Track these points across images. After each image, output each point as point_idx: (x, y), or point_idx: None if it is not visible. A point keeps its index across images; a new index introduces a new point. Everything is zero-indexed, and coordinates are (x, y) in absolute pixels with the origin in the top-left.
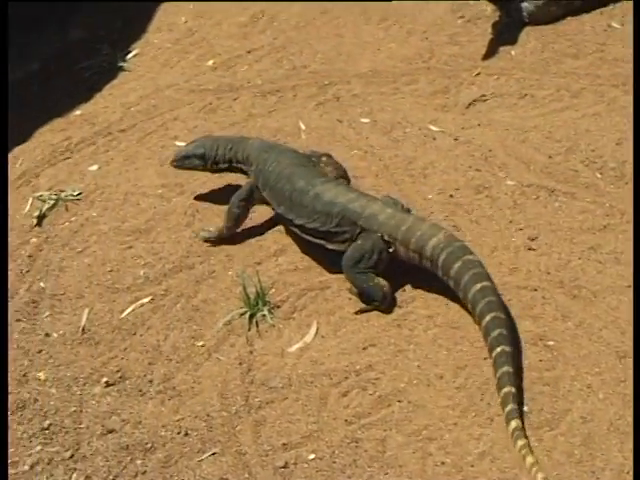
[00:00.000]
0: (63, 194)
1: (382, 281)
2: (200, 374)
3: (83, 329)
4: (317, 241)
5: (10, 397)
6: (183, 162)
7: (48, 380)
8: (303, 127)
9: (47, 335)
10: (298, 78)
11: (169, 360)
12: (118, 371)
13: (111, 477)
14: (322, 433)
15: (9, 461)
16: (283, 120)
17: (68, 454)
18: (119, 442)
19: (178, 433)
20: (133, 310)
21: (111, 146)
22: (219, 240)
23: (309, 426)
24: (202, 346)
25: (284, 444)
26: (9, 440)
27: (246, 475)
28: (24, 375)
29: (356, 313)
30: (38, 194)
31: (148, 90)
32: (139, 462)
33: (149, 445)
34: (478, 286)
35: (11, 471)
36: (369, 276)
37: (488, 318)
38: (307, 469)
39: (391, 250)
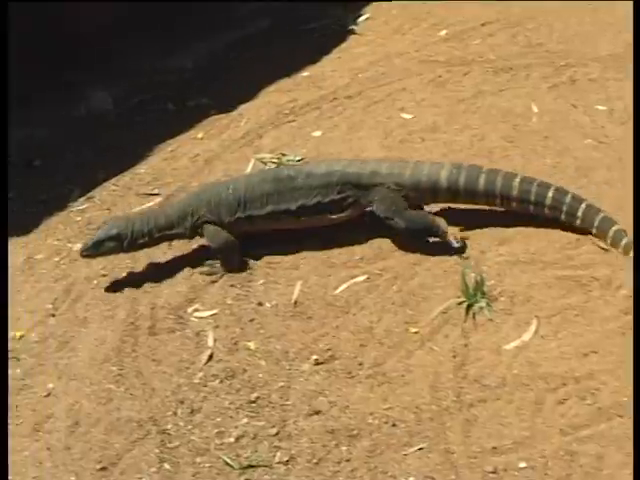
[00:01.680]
0: (285, 158)
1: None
2: (412, 362)
3: (295, 302)
4: (317, 217)
5: (219, 364)
6: (97, 249)
7: (258, 351)
8: (535, 109)
9: (260, 304)
10: (533, 56)
11: (381, 344)
12: (328, 350)
13: (314, 460)
14: (535, 441)
15: (215, 431)
16: (514, 100)
17: (274, 431)
18: (325, 425)
19: (385, 423)
20: (347, 287)
21: (336, 112)
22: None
23: (522, 432)
24: (416, 333)
25: (494, 448)
26: (215, 409)
27: (452, 476)
28: (235, 343)
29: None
30: (260, 156)
31: (377, 56)
32: (344, 448)
33: (355, 432)
34: (517, 179)
35: (217, 442)
36: (418, 213)
37: (550, 193)
38: (517, 478)
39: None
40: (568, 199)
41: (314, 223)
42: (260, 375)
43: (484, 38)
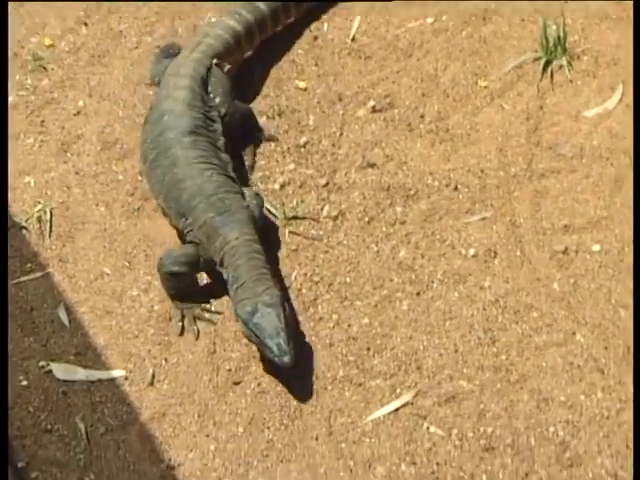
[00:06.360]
0: None
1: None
2: (479, 120)
3: (354, 38)
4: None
5: (266, 101)
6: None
7: (308, 90)
8: None
9: (315, 38)
10: None
11: (446, 96)
12: (387, 96)
13: (366, 219)
14: (612, 222)
15: (259, 174)
16: None
17: (322, 181)
18: (380, 180)
19: (447, 185)
20: (412, 28)
21: None
22: None
23: (598, 211)
24: (485, 87)
25: (566, 226)
26: (260, 150)
27: (518, 253)
28: (279, 81)
29: None
30: None
31: None
32: (399, 209)
33: (412, 192)
34: None
35: (261, 186)
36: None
37: None
38: (589, 261)
39: None
40: None
41: None
42: (311, 117)
43: None
